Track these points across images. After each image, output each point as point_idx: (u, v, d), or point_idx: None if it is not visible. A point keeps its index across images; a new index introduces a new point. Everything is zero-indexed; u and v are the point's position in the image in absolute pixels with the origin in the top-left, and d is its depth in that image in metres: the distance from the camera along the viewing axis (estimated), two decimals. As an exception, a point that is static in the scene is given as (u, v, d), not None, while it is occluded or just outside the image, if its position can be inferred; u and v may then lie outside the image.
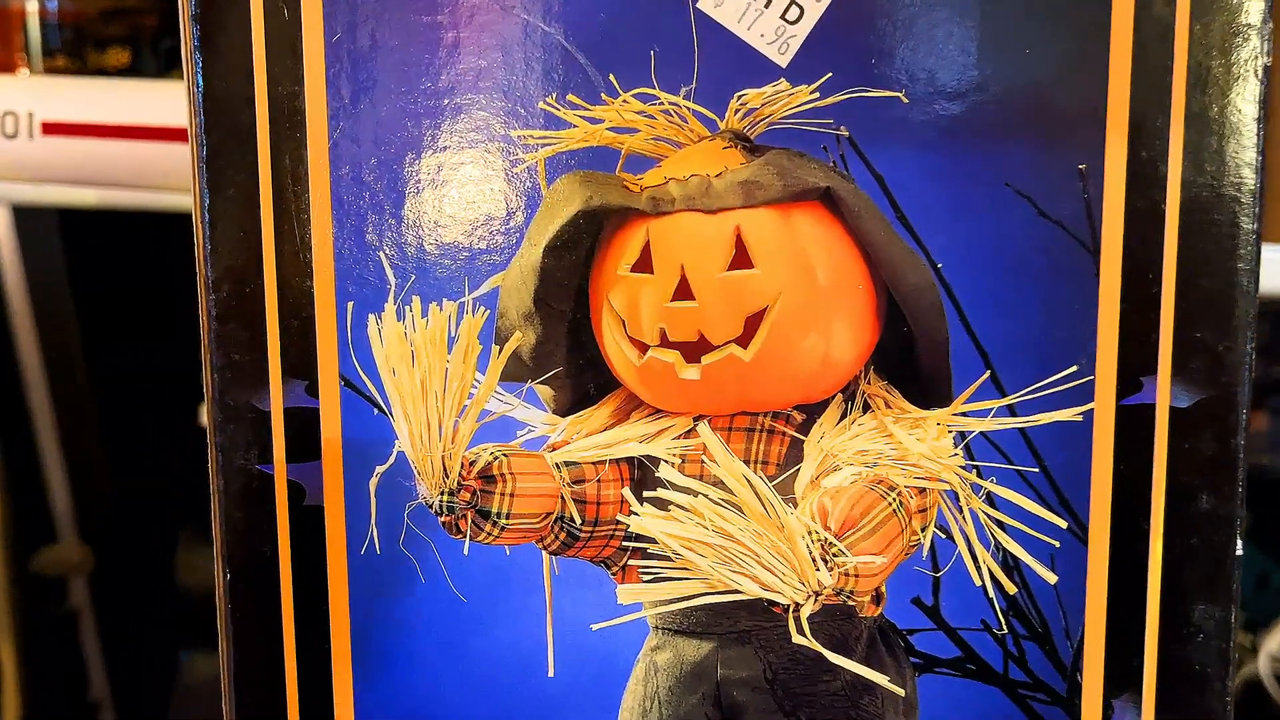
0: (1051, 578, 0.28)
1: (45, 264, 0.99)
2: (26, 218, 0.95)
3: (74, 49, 0.78)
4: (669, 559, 0.28)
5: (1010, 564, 0.28)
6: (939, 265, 0.27)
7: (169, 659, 1.35)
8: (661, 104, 0.27)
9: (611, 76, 0.27)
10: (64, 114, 0.58)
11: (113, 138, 0.57)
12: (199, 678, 1.27)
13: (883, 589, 0.28)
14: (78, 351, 1.13)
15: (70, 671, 1.19)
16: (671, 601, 0.28)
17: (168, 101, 0.58)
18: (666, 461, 0.28)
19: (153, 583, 1.35)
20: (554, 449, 0.28)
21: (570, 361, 0.28)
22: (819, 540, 0.27)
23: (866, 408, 0.28)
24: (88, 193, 0.75)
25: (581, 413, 0.28)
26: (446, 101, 0.27)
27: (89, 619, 1.24)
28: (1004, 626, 0.28)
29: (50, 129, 0.58)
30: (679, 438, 0.28)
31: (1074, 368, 0.27)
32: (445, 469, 0.27)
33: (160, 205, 0.72)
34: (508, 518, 0.28)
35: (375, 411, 0.28)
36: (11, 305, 0.99)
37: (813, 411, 0.28)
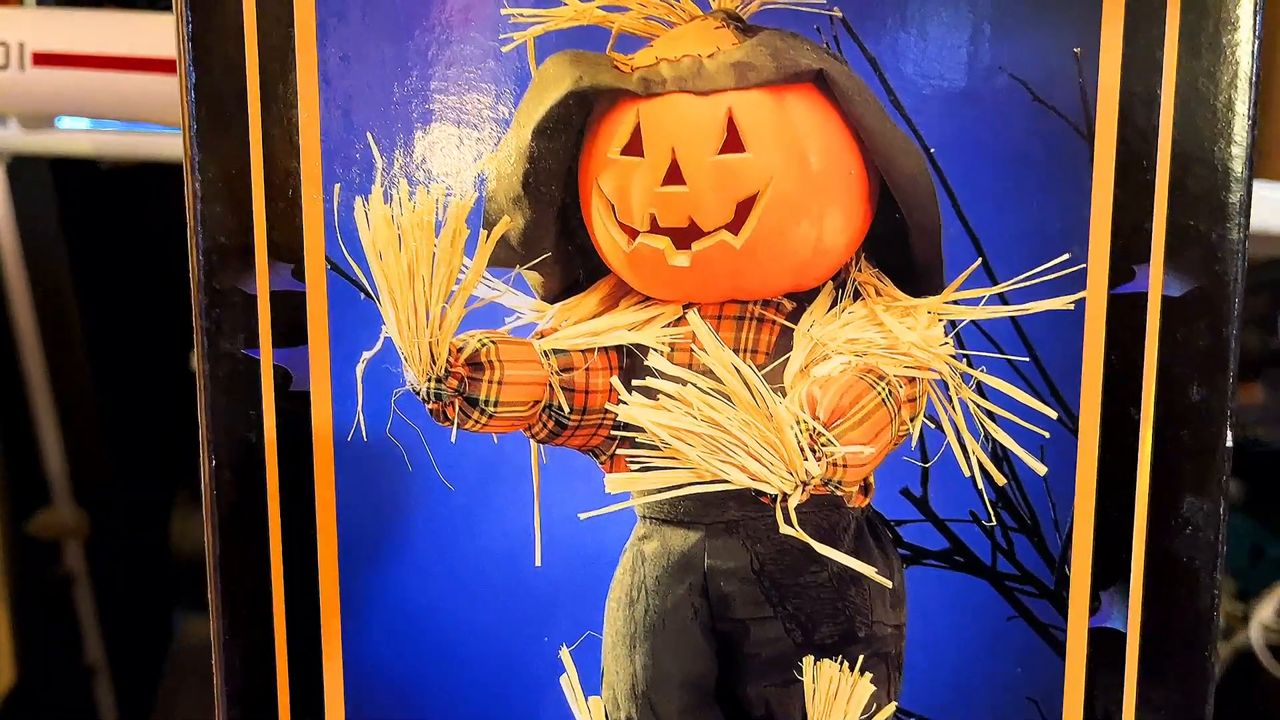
0: (1041, 469, 0.28)
1: (40, 224, 0.99)
2: (21, 174, 0.95)
3: (70, -7, 0.78)
4: (657, 448, 0.28)
5: (1000, 455, 0.28)
6: (931, 150, 0.27)
7: (164, 623, 1.35)
8: (653, -18, 0.27)
9: (603, -44, 0.27)
10: (55, 44, 0.57)
11: (105, 69, 0.57)
12: (194, 642, 1.27)
13: (871, 479, 0.28)
14: (73, 315, 1.12)
15: (65, 636, 1.19)
16: (659, 491, 0.28)
17: (161, 33, 0.57)
18: (655, 350, 0.28)
19: (148, 547, 1.35)
20: (542, 336, 0.28)
21: (559, 247, 0.28)
22: (807, 429, 0.27)
23: (857, 296, 0.28)
24: (82, 140, 0.75)
25: (570, 300, 0.28)
26: (436, -22, 0.27)
27: (84, 583, 1.24)
28: (992, 518, 0.28)
29: (41, 59, 0.57)
30: (668, 326, 0.28)
31: (1066, 255, 0.27)
32: (433, 355, 0.27)
33: (152, 153, 0.72)
34: (495, 405, 0.27)
35: (362, 297, 0.28)
36: (6, 268, 0.99)
37: (803, 300, 0.28)
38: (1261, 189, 0.51)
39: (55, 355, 1.07)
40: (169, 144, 0.68)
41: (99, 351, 1.24)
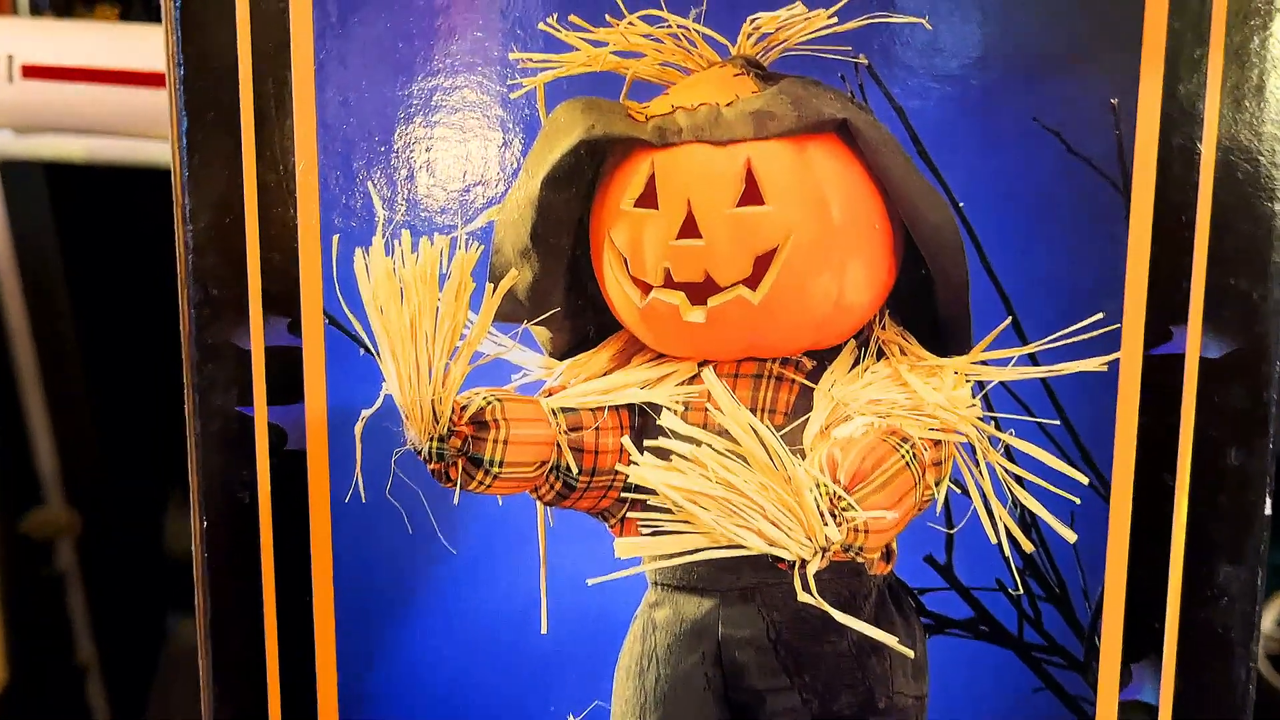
0: (1071, 536, 0.27)
1: (33, 224, 0.97)
2: (13, 176, 0.93)
3: (63, 7, 0.76)
4: (670, 511, 0.27)
5: (1028, 521, 0.27)
6: (960, 204, 0.26)
7: (156, 623, 1.34)
8: (670, 26, 0.25)
9: (616, -3, 0.25)
10: (45, 57, 0.56)
11: (95, 82, 0.55)
12: (187, 642, 1.26)
13: (893, 545, 0.27)
14: (66, 315, 1.11)
15: (57, 635, 1.17)
16: (671, 556, 0.27)
17: (151, 46, 0.56)
18: (669, 409, 0.27)
19: (140, 546, 1.34)
20: (550, 394, 0.27)
21: (569, 301, 0.27)
22: (828, 493, 0.26)
23: (881, 355, 0.27)
24: (75, 145, 0.73)
25: (580, 356, 0.27)
26: (440, 21, 0.25)
27: (76, 582, 1.22)
28: (1019, 587, 0.27)
29: (30, 72, 0.56)
30: (682, 384, 0.27)
31: (1100, 315, 0.26)
32: (435, 413, 0.26)
33: (147, 158, 0.70)
34: (501, 465, 0.26)
35: (361, 352, 0.26)
36: (-1, 269, 0.97)
37: (824, 358, 0.27)
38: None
39: (48, 354, 1.06)
40: (164, 151, 0.67)
41: (91, 351, 1.23)
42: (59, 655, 1.20)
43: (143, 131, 0.57)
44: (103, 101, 0.55)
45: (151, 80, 0.55)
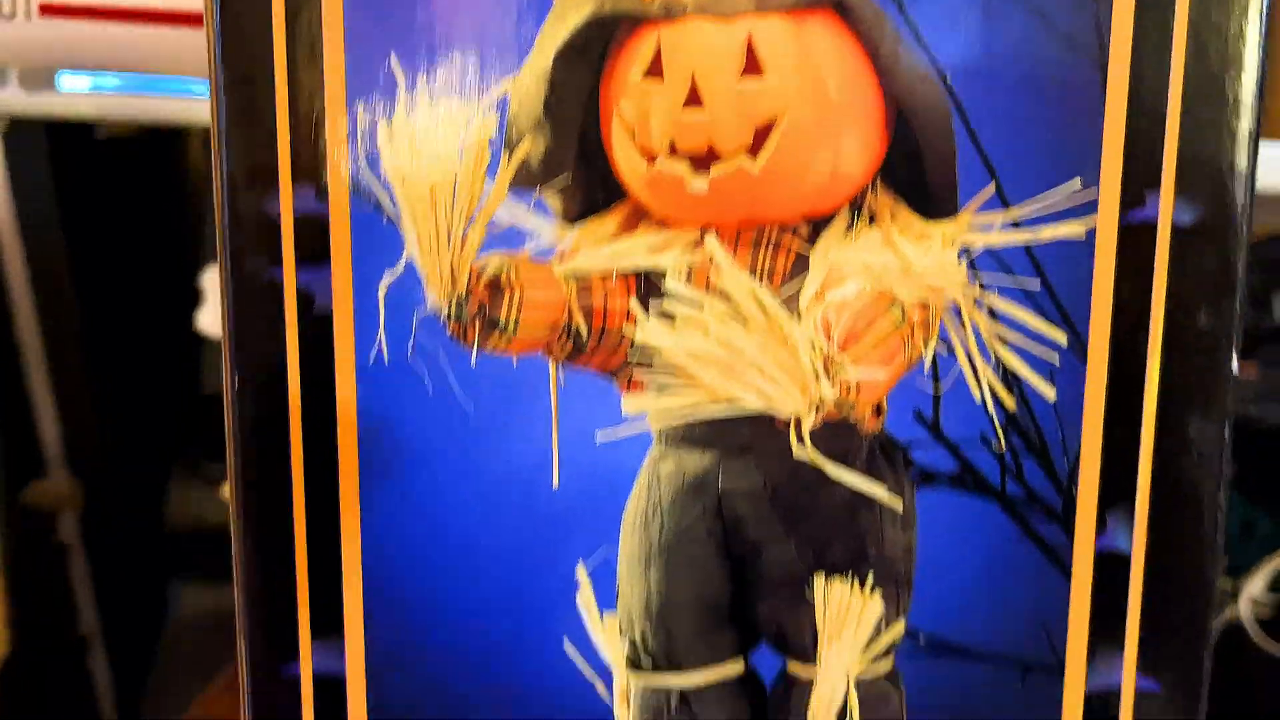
0: (1051, 393, 0.28)
1: (35, 193, 0.99)
2: (16, 140, 0.94)
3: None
4: (674, 371, 0.28)
5: (1010, 379, 0.28)
6: (946, 76, 0.27)
7: (159, 594, 1.35)
8: (675, -94, 0.27)
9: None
10: (62, -7, 0.57)
11: (114, 19, 0.57)
12: (190, 613, 1.27)
13: (884, 403, 0.29)
14: (68, 286, 1.12)
15: (59, 607, 1.19)
16: (675, 413, 0.29)
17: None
18: (673, 273, 0.28)
19: (143, 517, 1.36)
20: (561, 258, 0.28)
21: (579, 170, 0.28)
22: (822, 354, 0.28)
23: (872, 220, 0.28)
24: (82, 102, 0.74)
25: (589, 223, 0.29)
26: (460, -99, 0.27)
27: (79, 554, 1.24)
28: (1002, 441, 0.29)
29: (47, 9, 0.57)
30: (686, 250, 0.28)
31: (1077, 180, 0.27)
32: (454, 277, 0.28)
33: (156, 116, 0.72)
34: (516, 327, 0.28)
35: (385, 219, 0.28)
36: (1, 238, 0.98)
37: (819, 225, 0.28)
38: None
39: (50, 325, 1.07)
40: (171, 107, 0.68)
41: (94, 322, 1.24)
42: (61, 626, 1.22)
43: (164, 70, 0.58)
44: (122, 40, 0.56)
45: (173, 19, 0.57)
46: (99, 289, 1.24)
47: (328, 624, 0.30)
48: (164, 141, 1.09)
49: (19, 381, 1.09)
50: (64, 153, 0.99)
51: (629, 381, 0.29)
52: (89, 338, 1.24)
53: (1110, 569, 0.29)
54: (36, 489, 1.14)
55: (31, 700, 1.12)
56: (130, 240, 1.09)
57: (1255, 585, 1.05)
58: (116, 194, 1.08)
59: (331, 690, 0.30)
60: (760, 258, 0.28)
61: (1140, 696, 0.29)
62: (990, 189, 0.28)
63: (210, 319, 0.88)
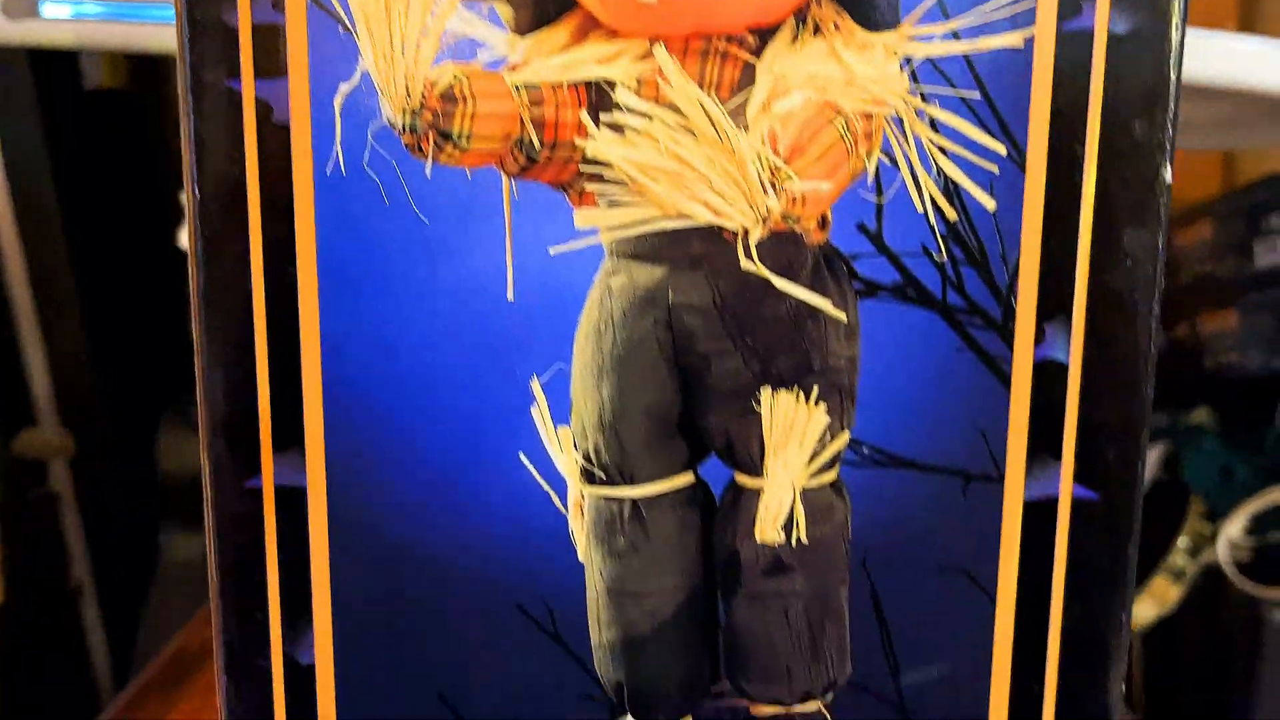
0: (990, 203, 0.29)
1: (22, 139, 0.99)
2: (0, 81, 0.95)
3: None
4: (624, 184, 0.29)
5: (951, 190, 0.29)
6: (889, -114, 0.28)
7: (150, 543, 1.36)
8: None
9: None
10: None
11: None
12: (181, 560, 1.28)
13: (828, 214, 0.30)
14: (58, 234, 1.13)
15: (51, 556, 1.20)
16: (626, 226, 0.29)
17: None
18: (623, 84, 0.29)
19: (134, 465, 1.36)
20: (513, 70, 0.29)
21: (531, -21, 0.29)
22: (769, 165, 0.28)
23: (817, 30, 0.29)
24: (65, 30, 0.74)
25: (540, 33, 0.29)
26: None
27: (70, 503, 1.25)
28: (944, 252, 0.29)
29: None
30: (635, 61, 0.29)
31: (1016, -12, 0.28)
32: (408, 89, 0.28)
33: (140, 44, 0.72)
34: (469, 138, 0.29)
35: (341, 30, 0.29)
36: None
37: (765, 35, 0.29)
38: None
39: (40, 275, 1.08)
40: (154, 34, 0.69)
41: (84, 271, 1.25)
42: (53, 576, 1.22)
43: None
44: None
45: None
46: (89, 237, 1.24)
47: (289, 437, 0.30)
48: (150, 86, 1.10)
49: (8, 330, 1.09)
50: (50, 97, 0.99)
51: (580, 195, 0.30)
52: (79, 287, 1.24)
53: (1048, 378, 0.30)
54: (26, 438, 1.14)
55: (24, 650, 1.13)
56: (121, 190, 1.09)
57: (1233, 528, 1.06)
58: (104, 142, 1.09)
59: (293, 502, 0.31)
60: (708, 69, 0.29)
61: (1077, 504, 0.30)
62: (931, 0, 0.28)
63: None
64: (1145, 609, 1.17)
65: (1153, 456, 1.20)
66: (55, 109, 1.00)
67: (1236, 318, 1.07)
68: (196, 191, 0.29)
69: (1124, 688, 0.31)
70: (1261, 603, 0.98)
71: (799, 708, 0.32)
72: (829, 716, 0.31)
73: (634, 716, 0.32)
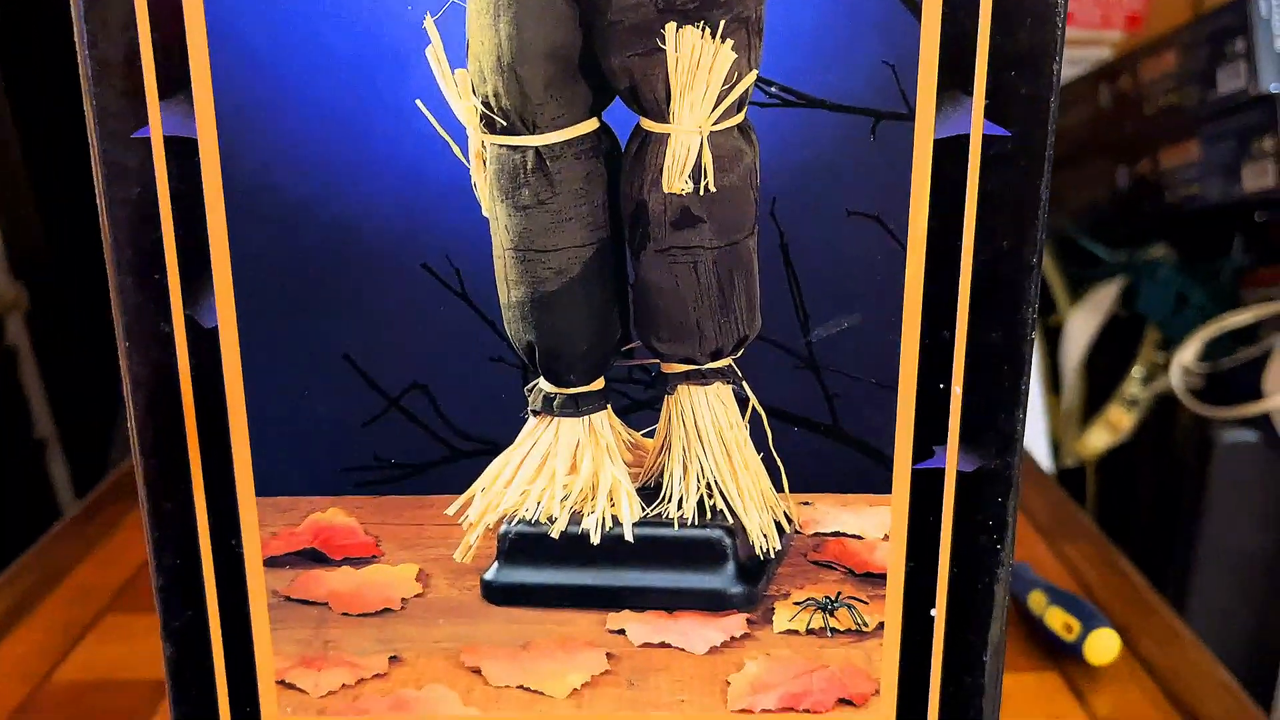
0: None
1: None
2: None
3: None
4: None
5: None
6: None
7: (111, 392, 1.35)
8: None
9: None
10: None
11: None
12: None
13: None
14: (1, 84, 1.09)
15: (13, 411, 1.19)
16: None
17: None
18: None
19: (89, 317, 1.34)
20: None
21: None
22: None
23: None
24: None
25: None
26: None
27: (28, 357, 1.23)
28: None
29: None
30: None
31: None
32: None
33: None
34: None
35: None
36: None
37: None
38: None
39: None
40: None
41: (30, 126, 1.21)
42: (16, 431, 1.22)
43: None
44: None
45: None
46: (31, 92, 1.20)
47: (174, 82, 0.29)
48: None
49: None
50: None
51: None
52: (27, 138, 1.21)
53: (959, 8, 0.28)
54: (-21, 294, 1.11)
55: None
56: (62, 48, 1.05)
57: (1187, 354, 1.08)
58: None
59: (184, 152, 0.29)
60: None
61: (988, 141, 0.29)
62: None
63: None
64: (1099, 437, 1.19)
65: (1110, 291, 1.21)
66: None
67: (1198, 148, 1.06)
68: None
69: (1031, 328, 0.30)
70: (1211, 425, 1.00)
71: (709, 364, 0.31)
72: (739, 373, 0.31)
73: (545, 378, 0.32)
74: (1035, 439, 1.21)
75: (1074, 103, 1.20)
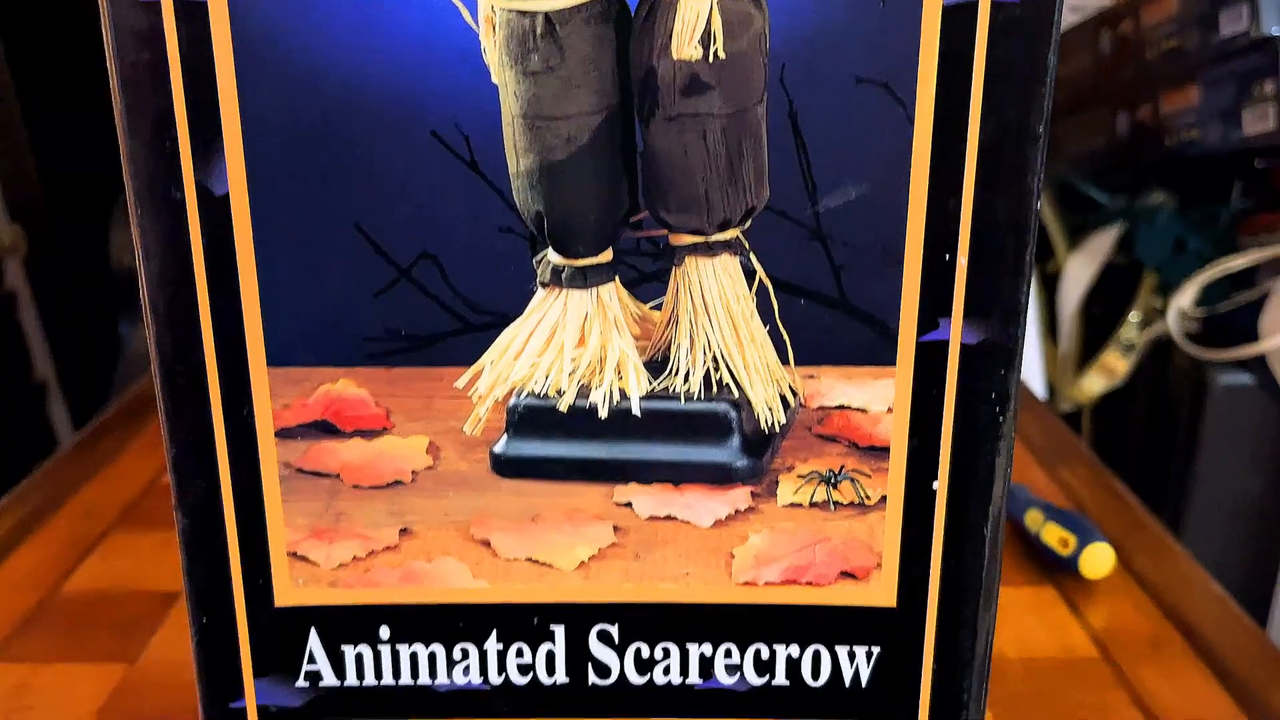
0: None
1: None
2: None
3: None
4: None
5: None
6: None
7: (110, 336, 1.36)
8: None
9: None
10: None
11: None
12: (141, 354, 1.27)
13: None
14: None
15: (13, 355, 1.19)
16: None
17: None
18: None
19: (88, 260, 1.34)
20: None
21: None
22: None
23: None
24: None
25: None
26: None
27: (27, 301, 1.23)
28: None
29: None
30: None
31: None
32: None
33: None
34: None
35: None
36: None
37: None
38: None
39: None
40: None
41: (25, 72, 1.20)
42: (17, 375, 1.22)
43: None
44: None
45: None
46: (26, 39, 1.19)
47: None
48: None
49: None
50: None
51: None
52: (23, 83, 1.20)
53: None
54: (-23, 236, 1.11)
55: (-10, 446, 1.13)
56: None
57: (1184, 298, 1.08)
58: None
59: (194, 14, 0.29)
60: None
61: (997, 7, 0.29)
62: None
63: None
64: (1095, 382, 1.20)
65: (1108, 237, 1.21)
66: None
67: (1198, 92, 1.06)
68: None
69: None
70: (1206, 369, 1.01)
71: (717, 235, 0.32)
72: (746, 244, 0.32)
73: (554, 248, 0.32)
74: (1031, 383, 1.22)
75: (1075, 49, 1.19)
